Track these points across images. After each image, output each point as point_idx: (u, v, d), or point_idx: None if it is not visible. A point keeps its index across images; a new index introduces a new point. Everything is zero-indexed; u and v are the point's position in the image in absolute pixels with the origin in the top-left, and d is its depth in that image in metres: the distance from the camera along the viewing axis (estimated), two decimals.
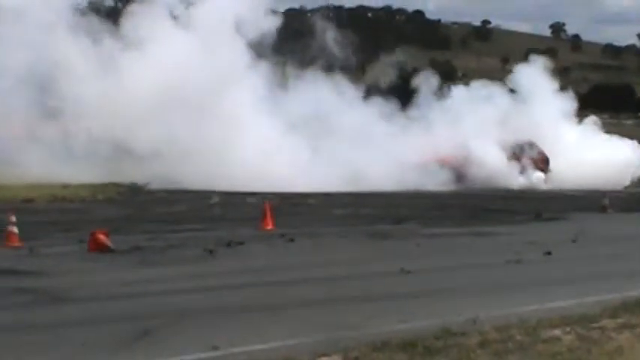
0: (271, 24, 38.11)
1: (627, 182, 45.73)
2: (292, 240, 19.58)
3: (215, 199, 29.89)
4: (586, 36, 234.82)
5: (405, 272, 15.20)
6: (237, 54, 37.33)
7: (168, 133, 35.13)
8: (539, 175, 43.91)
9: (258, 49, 37.73)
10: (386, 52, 50.90)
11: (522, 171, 43.55)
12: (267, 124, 37.32)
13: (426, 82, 45.00)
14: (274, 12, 40.96)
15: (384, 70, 45.51)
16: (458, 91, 46.06)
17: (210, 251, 17.45)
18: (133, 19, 36.89)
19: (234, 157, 35.02)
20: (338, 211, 27.17)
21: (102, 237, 17.42)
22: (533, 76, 47.08)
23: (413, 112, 43.07)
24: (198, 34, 37.23)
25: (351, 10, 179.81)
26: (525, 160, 43.74)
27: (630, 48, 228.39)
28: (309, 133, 37.51)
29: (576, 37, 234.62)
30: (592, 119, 49.20)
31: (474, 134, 42.02)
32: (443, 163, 40.70)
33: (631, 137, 57.72)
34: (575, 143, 45.36)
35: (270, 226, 21.84)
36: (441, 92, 45.28)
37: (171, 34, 37.30)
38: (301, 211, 26.90)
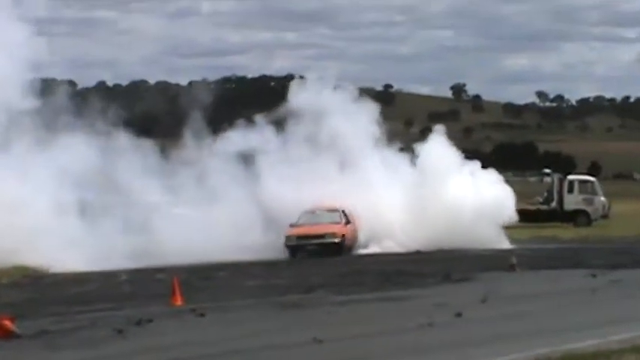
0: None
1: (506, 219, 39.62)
2: (203, 315, 19.40)
3: (123, 277, 29.51)
4: (487, 96, 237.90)
5: (318, 341, 15.16)
6: None
7: None
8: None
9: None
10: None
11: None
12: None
13: (196, 137, 38.93)
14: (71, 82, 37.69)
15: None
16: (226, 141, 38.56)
17: (120, 331, 17.18)
18: None
19: None
20: (248, 283, 26.97)
21: (7, 323, 17.04)
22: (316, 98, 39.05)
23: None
24: None
25: (254, 79, 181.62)
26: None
27: (530, 106, 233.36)
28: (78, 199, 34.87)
29: (477, 97, 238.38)
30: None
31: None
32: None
33: (534, 194, 57.73)
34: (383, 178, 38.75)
35: (179, 302, 21.60)
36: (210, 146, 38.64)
37: None
38: (210, 285, 26.67)
